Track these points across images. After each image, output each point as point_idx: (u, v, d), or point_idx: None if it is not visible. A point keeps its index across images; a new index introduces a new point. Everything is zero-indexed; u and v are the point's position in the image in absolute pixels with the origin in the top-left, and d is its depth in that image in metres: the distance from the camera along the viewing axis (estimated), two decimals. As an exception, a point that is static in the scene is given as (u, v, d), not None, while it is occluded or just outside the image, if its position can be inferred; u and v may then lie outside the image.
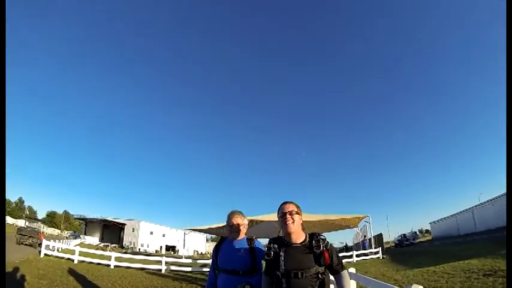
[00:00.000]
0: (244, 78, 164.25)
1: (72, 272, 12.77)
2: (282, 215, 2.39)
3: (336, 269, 2.31)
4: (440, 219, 51.49)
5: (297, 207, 2.46)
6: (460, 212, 43.43)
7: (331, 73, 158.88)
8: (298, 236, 2.37)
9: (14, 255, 15.16)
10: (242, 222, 2.89)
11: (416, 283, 8.34)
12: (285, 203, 2.50)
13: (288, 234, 2.38)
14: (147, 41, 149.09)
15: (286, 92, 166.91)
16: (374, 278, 6.45)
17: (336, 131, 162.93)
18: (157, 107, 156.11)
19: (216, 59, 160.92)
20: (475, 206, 39.37)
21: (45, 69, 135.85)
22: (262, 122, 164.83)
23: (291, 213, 2.38)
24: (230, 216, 2.92)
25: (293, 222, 2.35)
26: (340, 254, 24.13)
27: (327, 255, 2.27)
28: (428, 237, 55.68)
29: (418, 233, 57.68)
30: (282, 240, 2.43)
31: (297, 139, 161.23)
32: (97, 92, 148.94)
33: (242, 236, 2.91)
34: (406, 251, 28.34)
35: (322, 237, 2.33)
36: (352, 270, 6.42)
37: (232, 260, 2.74)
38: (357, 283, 6.01)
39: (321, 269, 2.24)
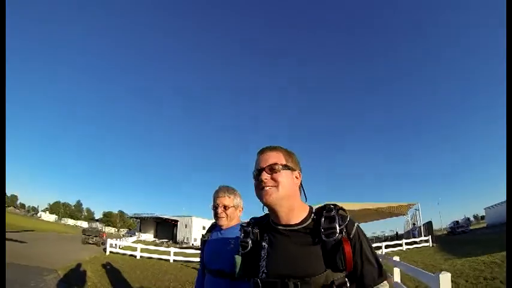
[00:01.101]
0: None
1: (138, 266, 14.39)
2: (257, 174, 1.25)
3: (368, 282, 1.12)
4: (497, 204, 48.71)
5: (286, 155, 1.29)
6: (519, 196, 40.42)
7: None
8: (293, 213, 1.23)
9: (83, 254, 16.81)
10: (232, 203, 2.01)
11: (461, 273, 9.05)
12: (262, 150, 1.31)
13: (272, 210, 1.24)
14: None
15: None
16: (418, 267, 7.16)
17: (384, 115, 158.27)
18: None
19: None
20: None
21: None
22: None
23: (272, 169, 1.22)
24: (214, 195, 2.07)
25: (276, 186, 1.20)
26: (389, 243, 24.37)
27: (348, 249, 1.10)
28: (483, 224, 53.11)
29: (472, 219, 55.24)
30: (267, 221, 1.31)
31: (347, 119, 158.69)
32: (144, 92, 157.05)
33: (234, 222, 2.02)
34: (457, 239, 27.81)
35: (342, 212, 1.20)
36: (396, 258, 7.35)
37: (218, 257, 1.87)
38: (400, 270, 6.86)
39: (338, 276, 1.09)
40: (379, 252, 16.27)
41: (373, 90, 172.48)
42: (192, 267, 14.96)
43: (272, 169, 1.22)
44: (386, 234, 53.90)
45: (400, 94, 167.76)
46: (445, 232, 45.77)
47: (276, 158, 1.25)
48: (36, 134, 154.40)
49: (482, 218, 61.36)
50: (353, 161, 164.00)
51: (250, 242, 1.29)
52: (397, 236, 48.27)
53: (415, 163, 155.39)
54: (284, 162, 1.25)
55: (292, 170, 1.26)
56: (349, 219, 1.18)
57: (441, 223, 59.64)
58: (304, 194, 1.32)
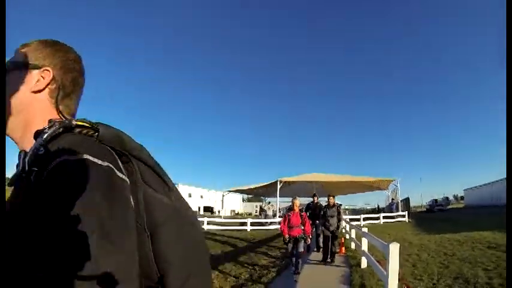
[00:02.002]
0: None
1: None
2: None
3: None
4: (475, 187, 50.59)
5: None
6: (497, 181, 42.20)
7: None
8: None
9: None
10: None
11: (426, 247, 9.81)
12: None
13: None
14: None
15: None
16: (389, 240, 7.78)
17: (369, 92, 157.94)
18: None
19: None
20: (514, 176, 38.25)
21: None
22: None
23: None
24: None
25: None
26: (368, 215, 25.94)
27: None
28: (462, 205, 55.22)
29: (451, 199, 57.35)
30: None
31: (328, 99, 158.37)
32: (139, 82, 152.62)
33: None
34: (433, 217, 29.21)
35: None
36: (365, 229, 8.05)
37: None
38: (368, 241, 7.50)
39: None
40: (357, 223, 17.15)
41: (358, 53, 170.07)
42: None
43: None
44: (368, 207, 55.84)
45: (386, 61, 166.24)
46: (424, 209, 47.69)
47: None
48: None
49: (462, 198, 63.77)
50: (343, 131, 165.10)
51: None
52: (378, 210, 50.20)
53: (402, 138, 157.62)
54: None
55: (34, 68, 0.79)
56: None
57: (421, 200, 61.93)
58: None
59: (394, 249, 4.53)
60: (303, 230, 7.45)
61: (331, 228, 9.11)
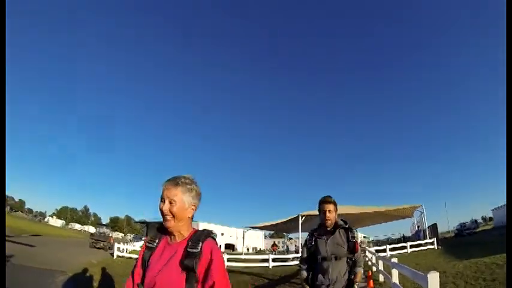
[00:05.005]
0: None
1: None
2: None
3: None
4: (503, 205, 48.15)
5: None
6: (526, 197, 39.78)
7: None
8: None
9: (91, 257, 17.21)
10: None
11: (462, 274, 9.08)
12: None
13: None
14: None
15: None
16: (420, 269, 7.23)
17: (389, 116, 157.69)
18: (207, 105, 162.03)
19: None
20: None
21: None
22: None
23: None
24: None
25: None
26: (395, 246, 24.49)
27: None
28: (491, 226, 52.48)
29: (480, 221, 54.70)
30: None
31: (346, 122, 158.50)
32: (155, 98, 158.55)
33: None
34: (463, 242, 27.59)
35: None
36: (395, 260, 7.47)
37: None
38: (398, 271, 6.95)
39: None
40: (383, 254, 16.33)
41: (374, 87, 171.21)
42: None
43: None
44: (393, 237, 53.48)
45: (404, 93, 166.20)
46: (452, 234, 45.45)
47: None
48: (44, 140, 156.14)
49: (491, 219, 60.72)
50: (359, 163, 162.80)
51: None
52: (404, 239, 47.97)
53: (421, 164, 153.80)
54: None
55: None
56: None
57: (448, 226, 59.13)
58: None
59: (434, 279, 3.96)
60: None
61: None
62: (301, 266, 3.28)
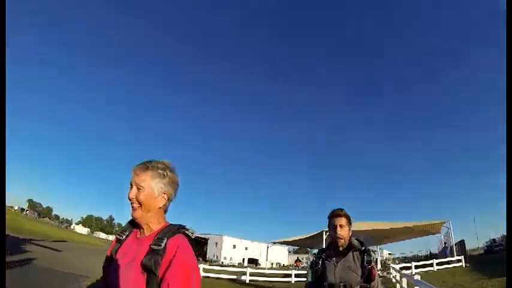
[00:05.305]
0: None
1: None
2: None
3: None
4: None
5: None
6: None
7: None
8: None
9: None
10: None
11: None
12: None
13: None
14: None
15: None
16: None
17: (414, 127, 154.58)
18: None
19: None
20: None
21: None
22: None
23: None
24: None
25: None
26: (419, 263, 23.81)
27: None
28: (524, 241, 49.56)
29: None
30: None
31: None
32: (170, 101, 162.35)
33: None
34: (493, 259, 26.46)
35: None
36: (418, 277, 7.54)
37: None
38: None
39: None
40: (407, 271, 16.02)
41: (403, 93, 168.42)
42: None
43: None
44: (420, 254, 51.74)
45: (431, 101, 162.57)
46: (482, 251, 43.51)
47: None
48: (73, 151, 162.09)
49: (525, 234, 57.65)
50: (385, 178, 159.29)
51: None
52: (430, 256, 46.21)
53: (448, 177, 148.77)
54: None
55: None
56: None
57: (478, 242, 56.75)
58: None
59: None
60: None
61: None
62: None
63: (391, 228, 27.29)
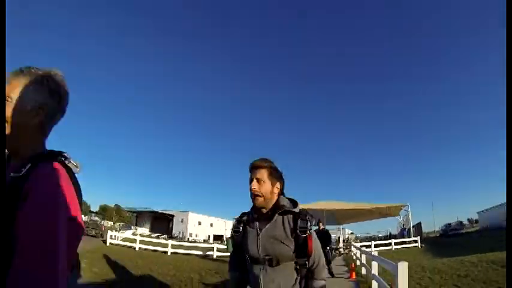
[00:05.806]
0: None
1: (138, 256, 15.32)
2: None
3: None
4: (490, 208, 49.08)
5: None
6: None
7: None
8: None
9: (84, 245, 17.40)
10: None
11: (439, 270, 9.62)
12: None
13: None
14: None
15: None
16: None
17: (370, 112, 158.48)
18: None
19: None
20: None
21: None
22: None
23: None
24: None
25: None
26: (380, 242, 25.25)
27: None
28: (477, 228, 53.60)
29: (465, 222, 55.94)
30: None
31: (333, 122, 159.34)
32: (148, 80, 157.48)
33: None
34: (446, 242, 28.45)
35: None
36: (375, 253, 8.00)
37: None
38: (378, 264, 7.44)
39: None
40: (368, 250, 16.97)
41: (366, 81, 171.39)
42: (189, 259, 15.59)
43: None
44: (380, 235, 54.58)
45: (394, 90, 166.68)
46: (437, 234, 46.44)
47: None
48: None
49: (476, 221, 61.99)
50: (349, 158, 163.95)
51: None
52: (390, 236, 48.91)
53: (412, 162, 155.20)
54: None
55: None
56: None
57: (434, 226, 60.30)
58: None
59: (403, 268, 4.47)
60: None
61: None
62: (231, 271, 2.10)
63: (353, 209, 28.50)
